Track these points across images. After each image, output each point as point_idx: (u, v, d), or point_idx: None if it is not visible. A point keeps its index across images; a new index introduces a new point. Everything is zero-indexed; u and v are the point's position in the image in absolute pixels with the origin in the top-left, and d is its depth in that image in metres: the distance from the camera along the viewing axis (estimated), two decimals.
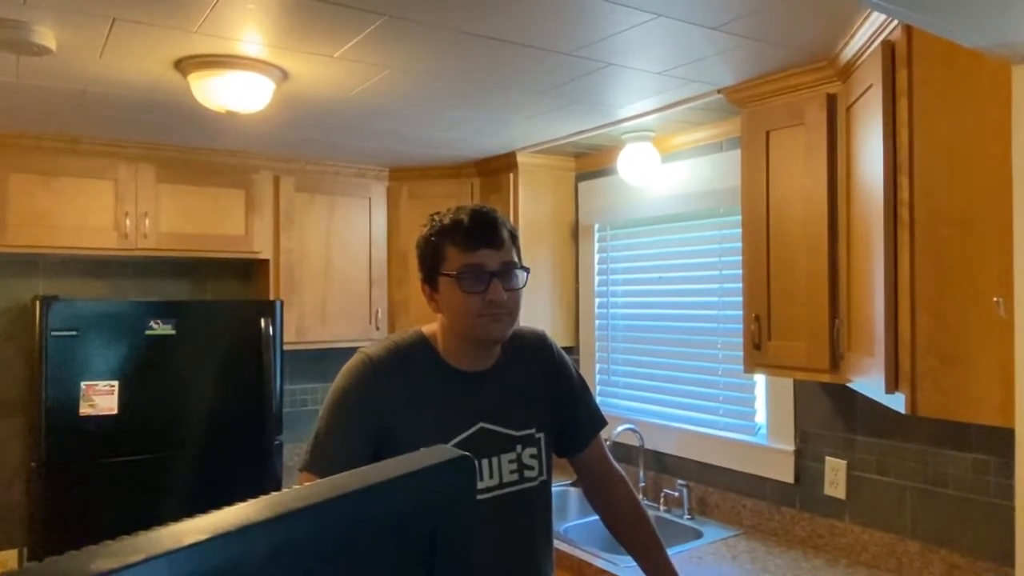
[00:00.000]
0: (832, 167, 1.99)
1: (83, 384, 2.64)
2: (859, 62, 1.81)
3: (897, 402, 1.61)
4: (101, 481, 2.68)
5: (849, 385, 1.97)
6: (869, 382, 1.76)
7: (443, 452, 0.46)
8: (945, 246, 1.52)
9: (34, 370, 2.73)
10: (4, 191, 2.74)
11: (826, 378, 2.03)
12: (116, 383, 2.69)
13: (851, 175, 1.90)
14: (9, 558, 3.02)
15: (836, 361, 1.98)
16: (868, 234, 1.75)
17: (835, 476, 2.35)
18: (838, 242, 1.98)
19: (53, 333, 2.60)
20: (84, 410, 2.63)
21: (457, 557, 0.44)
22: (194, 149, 3.07)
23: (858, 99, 1.82)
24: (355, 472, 0.41)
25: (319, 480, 0.40)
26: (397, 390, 1.42)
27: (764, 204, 2.16)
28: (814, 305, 2.03)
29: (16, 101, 2.36)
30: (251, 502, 0.36)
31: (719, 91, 2.24)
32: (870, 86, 1.71)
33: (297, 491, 0.38)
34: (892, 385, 1.62)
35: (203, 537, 0.31)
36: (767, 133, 2.15)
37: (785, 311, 2.12)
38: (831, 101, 2.00)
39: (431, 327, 1.51)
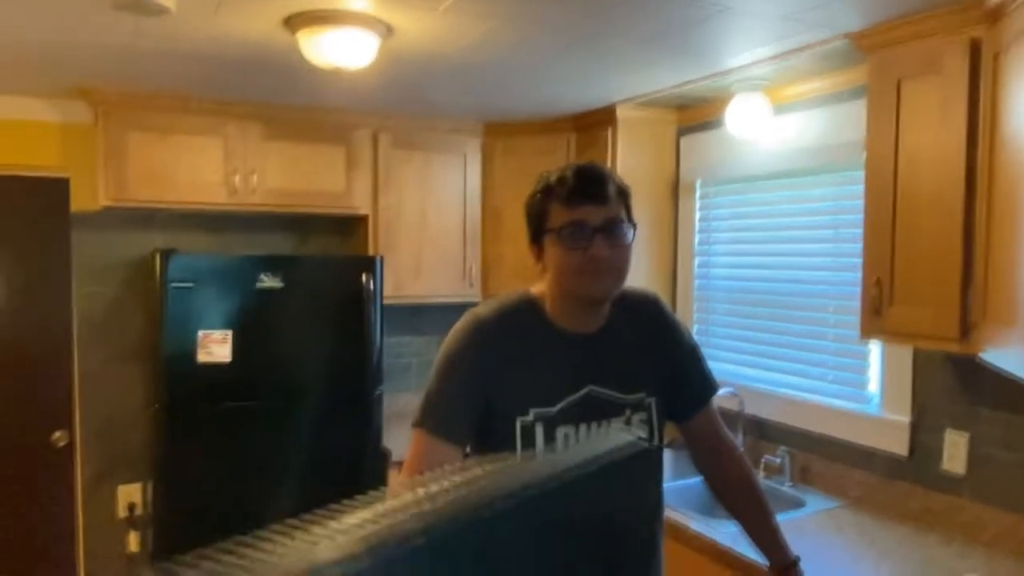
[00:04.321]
0: (972, 121, 1.82)
1: (200, 333, 2.78)
2: (1014, 3, 1.63)
3: None
4: (216, 424, 2.84)
5: (981, 356, 1.83)
6: (1007, 354, 1.63)
7: (627, 444, 0.43)
8: None
9: (154, 319, 2.90)
10: (124, 148, 2.88)
11: (954, 348, 1.90)
12: (230, 332, 2.82)
13: (996, 130, 1.73)
14: (134, 491, 3.27)
15: (967, 330, 1.85)
16: (1015, 195, 1.60)
17: (955, 450, 2.21)
18: (975, 202, 1.82)
19: (172, 284, 2.74)
20: (201, 357, 2.78)
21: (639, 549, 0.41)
22: (298, 107, 3.13)
23: (1010, 46, 1.65)
24: (549, 460, 0.39)
25: (514, 463, 0.38)
26: (505, 350, 1.41)
27: (892, 160, 2.01)
28: (945, 270, 1.88)
29: (134, 61, 2.44)
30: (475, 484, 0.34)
31: (845, 36, 2.08)
32: None
33: (491, 477, 0.36)
34: None
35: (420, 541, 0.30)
36: (898, 82, 1.98)
37: (910, 275, 1.98)
38: (975, 47, 1.81)
39: (539, 287, 1.49)
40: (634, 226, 1.42)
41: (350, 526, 0.29)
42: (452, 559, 0.31)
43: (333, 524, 0.30)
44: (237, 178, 3.04)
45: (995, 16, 1.74)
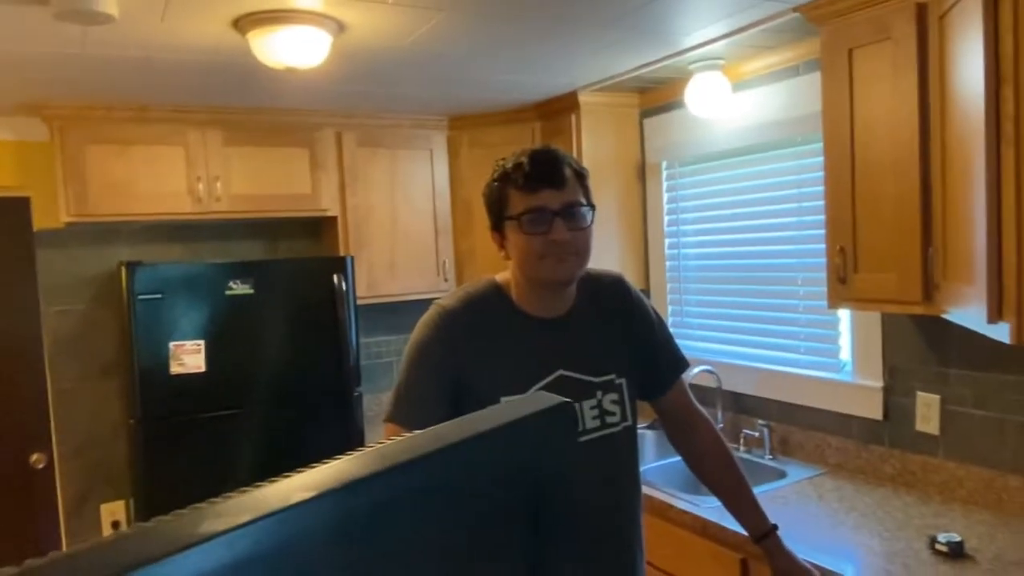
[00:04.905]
0: (923, 84, 1.84)
1: (171, 344, 2.75)
2: None
3: (1000, 332, 1.51)
4: (195, 435, 2.82)
5: (944, 317, 1.86)
6: (968, 312, 1.66)
7: (543, 399, 0.43)
8: None
9: (125, 332, 2.86)
10: (83, 163, 2.83)
11: (919, 310, 1.93)
12: (202, 342, 2.79)
13: (946, 92, 1.76)
14: (117, 508, 3.23)
15: (930, 292, 1.87)
16: (967, 154, 1.62)
17: (928, 411, 2.25)
18: (931, 165, 1.85)
19: (139, 297, 2.71)
20: (174, 369, 2.75)
21: (562, 504, 0.42)
22: (257, 110, 3.10)
23: (953, 7, 1.67)
24: (457, 422, 0.39)
25: (420, 431, 0.38)
26: (473, 340, 1.41)
27: (848, 128, 2.03)
28: (905, 234, 1.91)
29: (85, 72, 2.41)
30: (354, 456, 0.34)
31: (795, 9, 2.10)
32: None
33: (400, 443, 0.36)
34: (995, 314, 1.52)
35: (309, 495, 0.30)
36: (850, 51, 2.00)
37: (872, 241, 2.00)
38: (921, 11, 1.84)
39: (504, 275, 1.49)
40: (593, 208, 1.42)
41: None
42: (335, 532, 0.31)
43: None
44: (201, 186, 3.01)
45: None
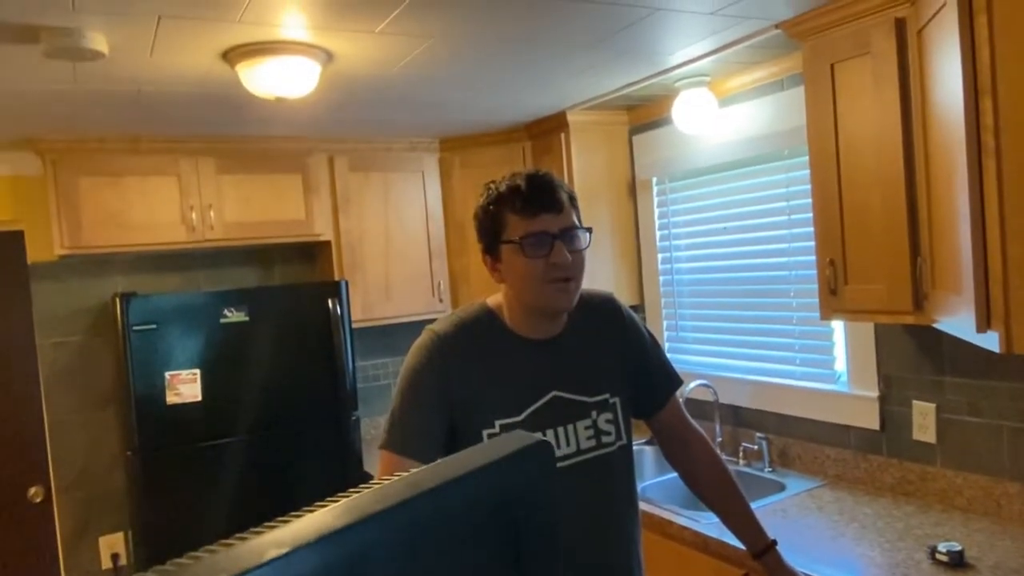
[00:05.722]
0: (905, 97, 1.86)
1: (167, 374, 2.75)
2: None
3: (990, 341, 1.52)
4: (193, 465, 2.81)
5: (935, 326, 1.87)
6: (957, 321, 1.67)
7: (520, 439, 0.44)
8: None
9: (120, 364, 2.86)
10: (76, 195, 2.85)
11: (909, 320, 1.94)
12: (198, 371, 2.79)
13: (927, 104, 1.78)
14: (116, 541, 3.22)
15: (919, 301, 1.89)
16: (950, 165, 1.64)
17: (924, 420, 2.25)
18: (916, 176, 1.87)
19: (134, 328, 2.71)
20: (171, 399, 2.75)
21: (543, 544, 0.42)
22: (249, 138, 3.12)
23: (930, 21, 1.70)
24: (432, 468, 0.40)
25: (394, 478, 0.39)
26: (466, 364, 1.42)
27: (833, 142, 2.05)
28: (893, 244, 1.93)
29: (77, 106, 2.43)
30: (328, 508, 0.35)
31: (777, 26, 2.13)
32: (943, 5, 1.58)
33: (373, 493, 0.37)
34: (984, 323, 1.53)
35: (283, 551, 0.30)
36: (832, 66, 2.03)
37: (862, 253, 2.02)
38: (900, 26, 1.86)
39: (496, 298, 1.50)
40: (589, 231, 1.43)
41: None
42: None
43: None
44: (194, 215, 3.02)
45: None
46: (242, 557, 0.30)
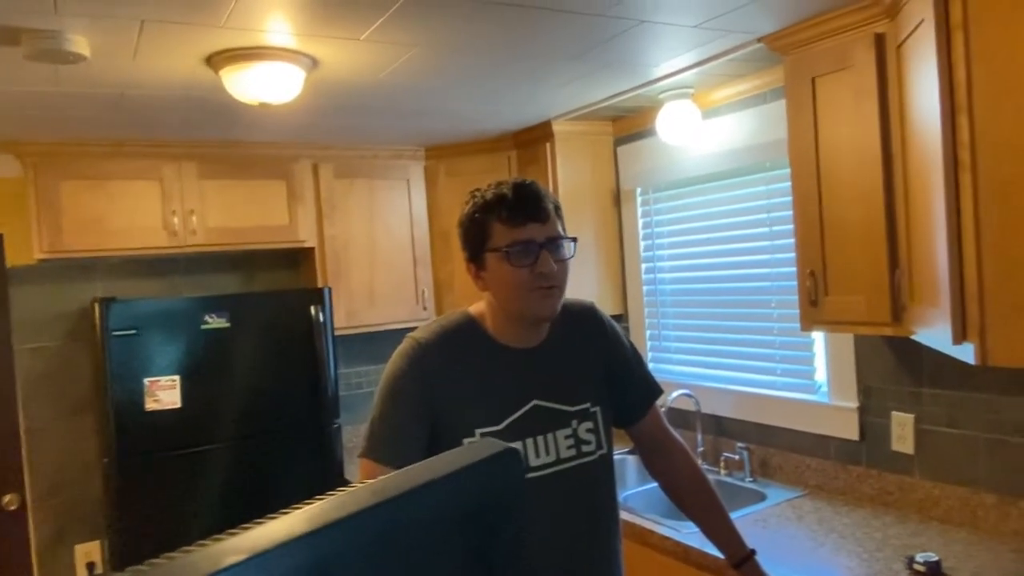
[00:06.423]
0: (884, 111, 1.89)
1: (146, 380, 2.72)
2: None
3: (966, 353, 1.54)
4: (171, 473, 2.78)
5: (914, 337, 1.89)
6: (935, 333, 1.69)
7: (488, 446, 0.44)
8: (1011, 188, 1.43)
9: (99, 369, 2.83)
10: (57, 198, 2.82)
11: (888, 331, 1.96)
12: (177, 378, 2.77)
13: (905, 119, 1.80)
14: (92, 549, 3.17)
15: (898, 313, 1.91)
16: (927, 179, 1.66)
17: (902, 431, 2.27)
18: (894, 189, 1.89)
19: (114, 333, 2.68)
20: (149, 405, 2.72)
21: (512, 550, 0.42)
22: (233, 143, 3.10)
23: (908, 37, 1.72)
24: (398, 475, 0.40)
25: (361, 484, 0.39)
26: (447, 372, 1.41)
27: (813, 155, 2.07)
28: (872, 257, 1.95)
29: (59, 110, 2.41)
30: (292, 515, 0.35)
31: (759, 40, 2.15)
32: (921, 22, 1.61)
33: (337, 499, 0.36)
34: (960, 335, 1.55)
35: (241, 558, 0.30)
36: (812, 80, 2.05)
37: (841, 265, 2.04)
38: (879, 41, 1.89)
39: (478, 307, 1.50)
40: (574, 240, 1.44)
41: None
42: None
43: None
44: (176, 220, 3.00)
45: (893, 10, 1.82)
46: (199, 564, 0.29)
